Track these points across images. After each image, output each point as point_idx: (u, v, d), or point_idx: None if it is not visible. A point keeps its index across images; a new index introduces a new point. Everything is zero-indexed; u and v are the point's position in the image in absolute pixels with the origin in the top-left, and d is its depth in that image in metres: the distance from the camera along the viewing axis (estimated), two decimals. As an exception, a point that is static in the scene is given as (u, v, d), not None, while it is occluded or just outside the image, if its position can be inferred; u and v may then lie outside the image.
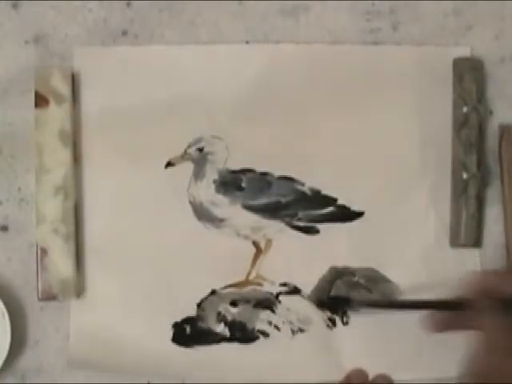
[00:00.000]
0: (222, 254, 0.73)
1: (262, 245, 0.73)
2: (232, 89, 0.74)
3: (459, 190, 0.73)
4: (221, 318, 0.73)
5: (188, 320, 0.73)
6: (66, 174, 0.72)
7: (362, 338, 0.72)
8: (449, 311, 0.66)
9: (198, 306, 0.73)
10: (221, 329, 0.73)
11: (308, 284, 0.73)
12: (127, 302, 0.72)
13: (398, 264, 0.73)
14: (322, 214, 0.73)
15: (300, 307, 0.73)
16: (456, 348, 0.72)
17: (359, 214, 0.73)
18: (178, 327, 0.72)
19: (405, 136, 0.74)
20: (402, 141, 0.74)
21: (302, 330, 0.73)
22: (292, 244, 0.73)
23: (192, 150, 0.74)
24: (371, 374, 0.70)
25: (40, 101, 0.72)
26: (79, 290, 0.72)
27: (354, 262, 0.73)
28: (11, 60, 0.75)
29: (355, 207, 0.74)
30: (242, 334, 0.73)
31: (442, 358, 0.72)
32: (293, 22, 0.75)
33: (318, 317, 0.73)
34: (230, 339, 0.72)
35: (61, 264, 0.71)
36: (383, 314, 0.72)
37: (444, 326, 0.67)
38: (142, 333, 0.72)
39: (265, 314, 0.73)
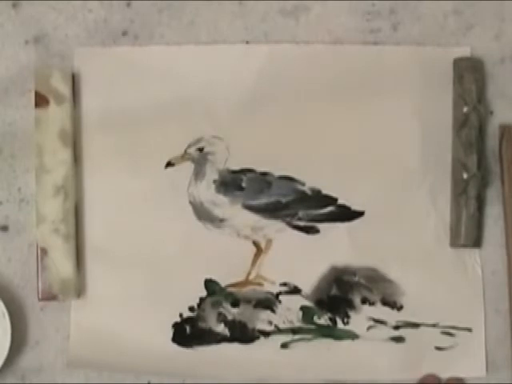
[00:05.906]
0: (222, 254, 0.73)
1: (263, 245, 0.73)
2: (232, 89, 0.74)
3: (459, 190, 0.73)
4: (221, 318, 0.73)
5: (188, 320, 0.73)
6: (66, 174, 0.72)
7: (363, 338, 0.72)
8: None
9: (198, 306, 0.73)
10: (221, 329, 0.73)
11: (308, 284, 0.73)
12: (127, 302, 0.72)
13: (398, 264, 0.73)
14: (322, 214, 0.73)
15: (300, 307, 0.73)
16: (456, 348, 0.72)
17: (359, 214, 0.73)
18: (178, 327, 0.72)
19: (405, 136, 0.74)
20: (402, 141, 0.74)
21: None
22: (292, 244, 0.73)
23: (192, 150, 0.74)
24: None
25: (40, 101, 0.72)
26: (79, 290, 0.72)
27: (354, 262, 0.73)
28: (11, 60, 0.75)
29: (355, 207, 0.73)
30: (242, 334, 0.73)
31: (442, 358, 0.72)
32: (293, 22, 0.75)
33: (319, 317, 0.73)
34: (230, 339, 0.72)
35: (61, 264, 0.71)
36: (383, 315, 0.72)
37: None
38: (142, 333, 0.72)
39: (265, 314, 0.73)
